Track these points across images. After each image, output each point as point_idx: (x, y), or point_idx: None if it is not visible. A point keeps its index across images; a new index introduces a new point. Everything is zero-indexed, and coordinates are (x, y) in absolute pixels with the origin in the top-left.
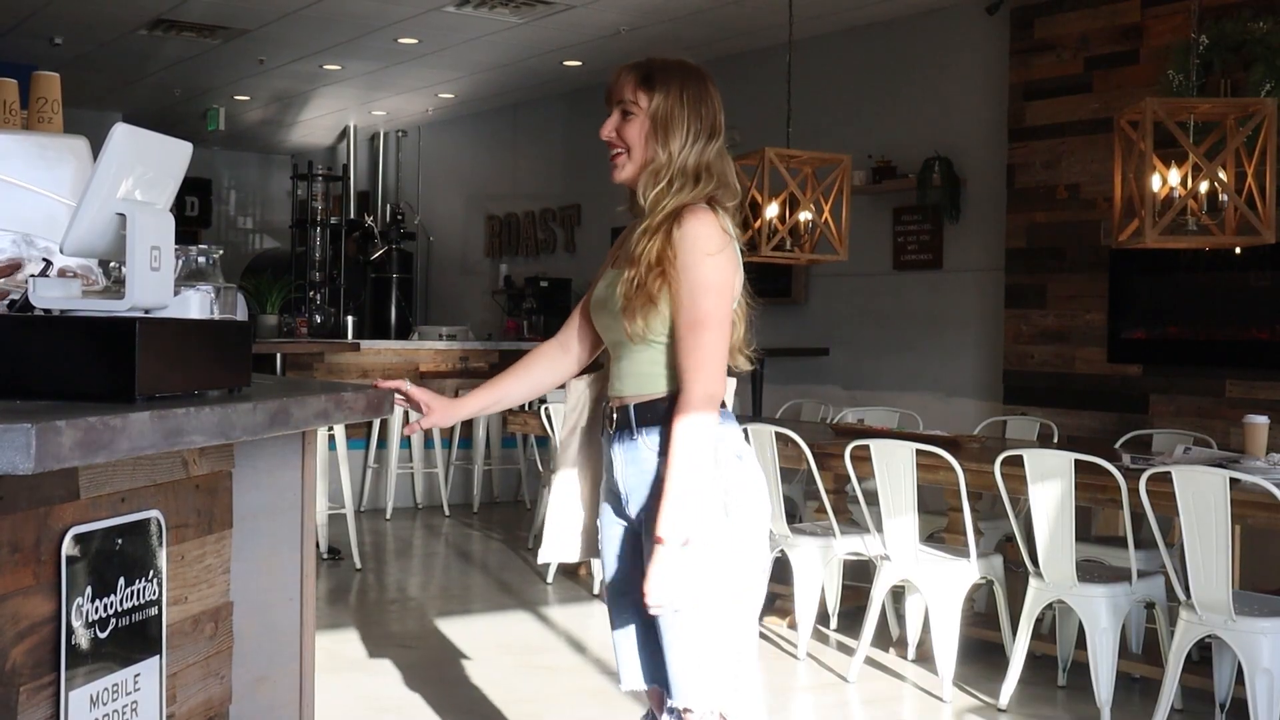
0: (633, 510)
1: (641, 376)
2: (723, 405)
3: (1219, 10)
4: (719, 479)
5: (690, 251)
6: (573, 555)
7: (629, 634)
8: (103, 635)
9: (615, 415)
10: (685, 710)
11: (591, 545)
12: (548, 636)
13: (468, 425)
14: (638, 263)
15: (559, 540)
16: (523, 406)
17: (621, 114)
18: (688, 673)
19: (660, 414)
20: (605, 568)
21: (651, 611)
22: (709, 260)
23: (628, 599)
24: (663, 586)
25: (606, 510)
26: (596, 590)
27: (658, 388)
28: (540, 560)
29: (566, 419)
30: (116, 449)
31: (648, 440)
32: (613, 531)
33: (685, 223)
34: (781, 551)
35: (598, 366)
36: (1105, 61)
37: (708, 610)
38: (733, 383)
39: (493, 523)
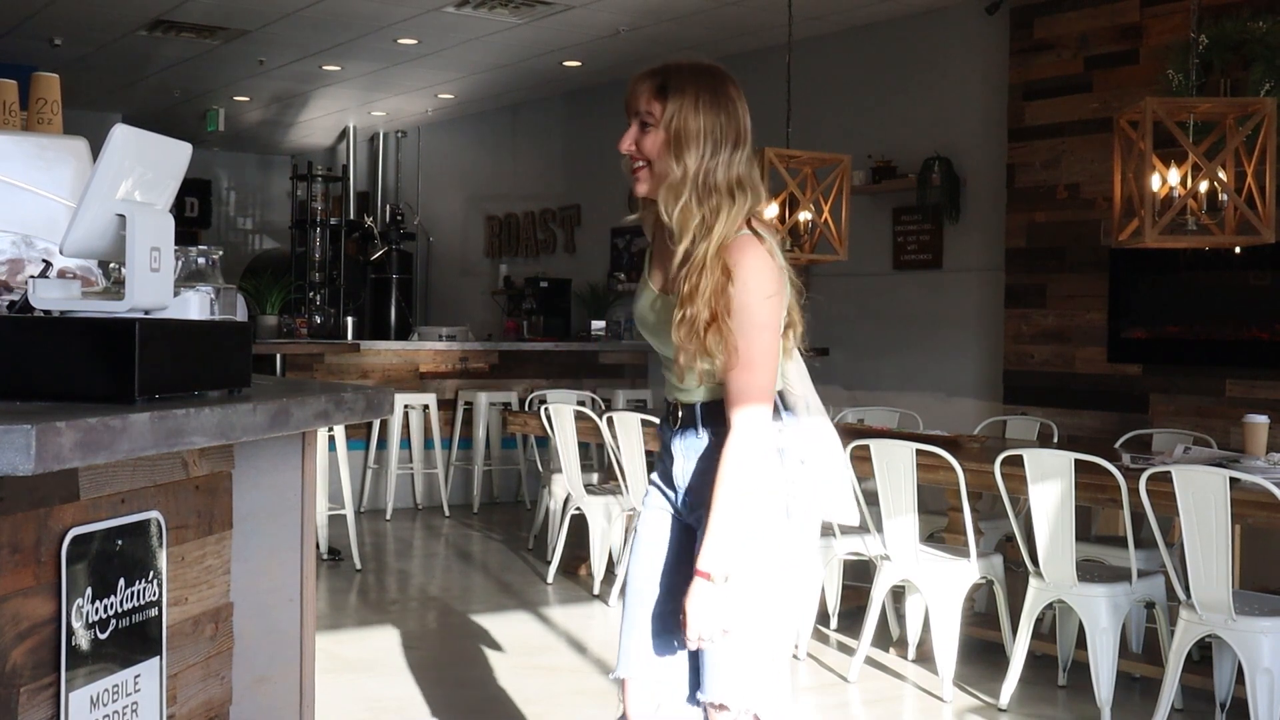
0: (688, 504)
1: (704, 387)
2: (788, 408)
3: (1218, 10)
4: (783, 480)
5: (747, 293)
6: None
7: (641, 621)
8: (103, 636)
9: (681, 413)
10: (720, 707)
11: None
12: (548, 637)
13: (467, 425)
14: (691, 302)
15: None
16: (523, 406)
17: (639, 125)
18: (728, 669)
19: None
20: (636, 552)
21: (690, 646)
22: (767, 302)
23: (650, 587)
24: (702, 620)
25: (654, 495)
26: (596, 591)
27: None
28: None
29: None
30: (116, 450)
31: (714, 438)
32: (654, 517)
33: (740, 266)
34: None
35: None
36: (1105, 61)
37: (755, 610)
38: (806, 378)
39: (493, 523)
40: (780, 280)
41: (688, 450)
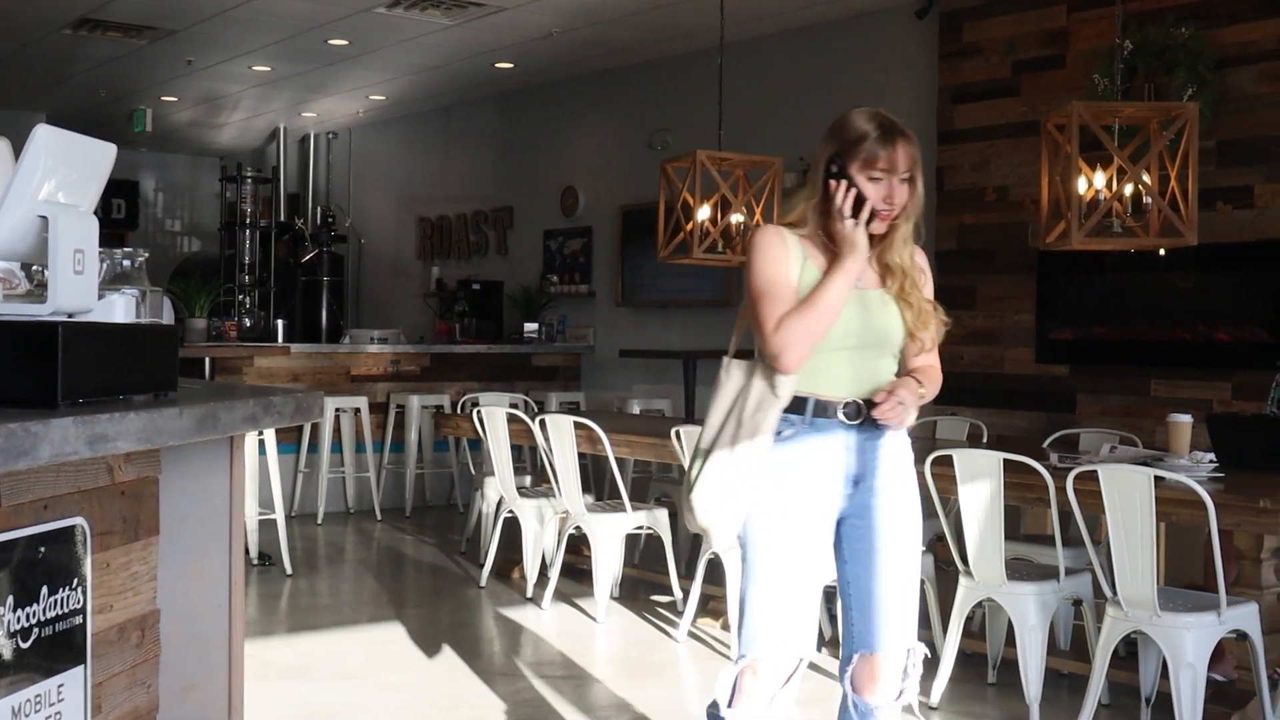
0: (876, 481)
1: (879, 382)
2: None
3: (1143, 16)
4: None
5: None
6: (730, 528)
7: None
8: (25, 645)
9: (861, 409)
10: (911, 650)
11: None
12: (481, 641)
13: (399, 429)
14: (913, 303)
15: (714, 514)
16: (456, 409)
17: (906, 182)
18: (911, 617)
19: None
20: (800, 543)
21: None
22: None
23: (806, 573)
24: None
25: (808, 494)
26: (529, 594)
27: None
28: (694, 529)
29: (722, 402)
30: (38, 455)
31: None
32: (806, 515)
33: (926, 266)
34: (714, 553)
35: (749, 353)
36: (1032, 65)
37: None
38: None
39: (425, 527)
40: None
41: (864, 441)
